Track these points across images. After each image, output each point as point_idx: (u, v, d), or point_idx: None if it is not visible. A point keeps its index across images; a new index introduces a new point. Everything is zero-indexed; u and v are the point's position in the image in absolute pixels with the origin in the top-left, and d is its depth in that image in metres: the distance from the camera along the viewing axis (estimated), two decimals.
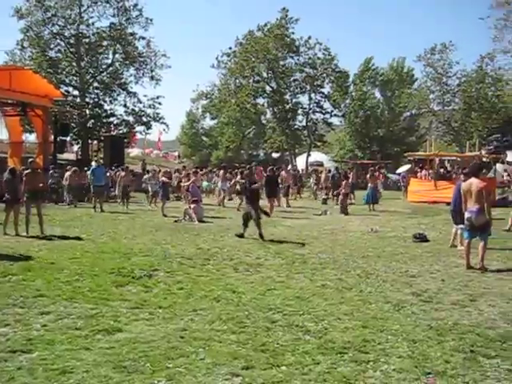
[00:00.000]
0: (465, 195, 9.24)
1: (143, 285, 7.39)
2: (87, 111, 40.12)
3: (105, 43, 41.80)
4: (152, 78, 43.03)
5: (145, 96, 44.34)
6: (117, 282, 7.43)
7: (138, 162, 43.12)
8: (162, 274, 8.10)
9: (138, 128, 44.27)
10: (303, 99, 49.56)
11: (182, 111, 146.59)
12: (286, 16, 46.24)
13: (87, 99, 41.39)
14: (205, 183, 26.76)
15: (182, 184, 21.34)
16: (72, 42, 40.88)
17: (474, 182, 9.10)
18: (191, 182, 17.30)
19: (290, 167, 39.34)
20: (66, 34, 40.79)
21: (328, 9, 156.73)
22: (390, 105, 54.88)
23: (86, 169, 22.73)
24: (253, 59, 46.46)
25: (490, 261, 9.30)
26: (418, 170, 31.27)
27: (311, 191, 28.82)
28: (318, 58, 47.26)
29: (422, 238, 12.19)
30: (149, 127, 44.24)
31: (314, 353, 4.87)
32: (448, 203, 12.84)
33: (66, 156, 34.78)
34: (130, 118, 43.19)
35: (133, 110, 42.96)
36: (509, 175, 27.11)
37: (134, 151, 56.95)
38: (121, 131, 41.69)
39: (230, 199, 23.80)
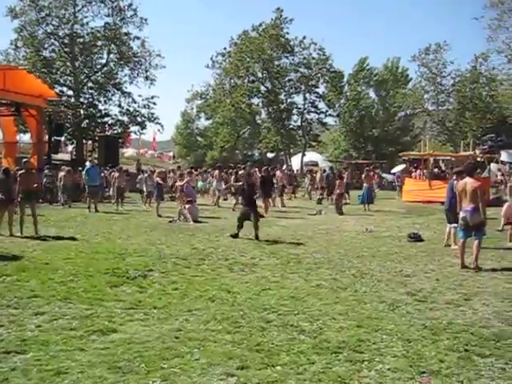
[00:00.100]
0: (460, 195, 9.26)
1: (138, 285, 7.38)
2: (82, 111, 39.97)
3: (99, 43, 41.70)
4: (147, 78, 42.99)
5: (139, 96, 44.26)
6: (111, 283, 7.41)
7: (132, 162, 43.05)
8: (156, 275, 8.09)
9: (133, 128, 44.26)
10: (298, 99, 49.73)
11: (176, 111, 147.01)
12: (281, 16, 46.28)
13: (81, 99, 41.26)
14: (200, 183, 26.74)
15: (176, 184, 21.31)
16: (66, 41, 40.76)
17: (469, 182, 9.13)
18: (185, 182, 17.28)
19: (284, 167, 39.38)
20: (60, 34, 40.66)
21: (323, 9, 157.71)
22: (384, 105, 55.01)
23: (80, 169, 22.67)
24: (247, 59, 46.49)
25: (484, 260, 9.33)
26: (413, 169, 31.35)
27: (306, 191, 28.84)
28: (313, 58, 47.34)
29: (416, 238, 12.23)
30: (143, 127, 44.19)
31: (308, 352, 4.88)
32: (442, 203, 12.88)
33: (60, 156, 34.62)
34: (125, 118, 43.11)
35: (127, 110, 42.89)
36: (502, 175, 27.24)
37: (128, 151, 56.82)
38: (115, 131, 41.60)
39: (225, 199, 23.80)
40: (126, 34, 41.80)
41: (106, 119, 42.79)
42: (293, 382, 4.25)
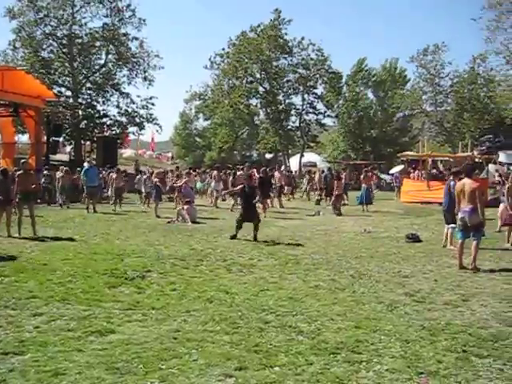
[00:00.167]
0: (458, 196, 9.28)
1: (136, 286, 7.37)
2: (80, 112, 40.01)
3: (98, 44, 41.74)
4: (145, 78, 43.05)
5: (138, 97, 44.49)
6: (110, 284, 7.41)
7: (131, 162, 43.08)
8: (155, 275, 8.08)
9: (131, 129, 44.33)
10: (296, 100, 49.84)
11: (175, 112, 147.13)
12: (279, 17, 46.37)
13: (80, 100, 41.31)
14: (198, 184, 26.73)
15: (174, 185, 21.30)
16: (65, 42, 40.78)
17: (467, 183, 9.15)
18: (184, 183, 17.27)
19: (283, 168, 39.37)
20: (58, 35, 40.70)
21: (321, 10, 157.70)
22: (382, 105, 55.02)
23: (78, 169, 22.64)
24: (246, 60, 46.54)
25: (482, 261, 9.35)
26: (411, 170, 31.36)
27: (304, 192, 28.83)
28: (311, 59, 47.40)
29: (414, 239, 12.24)
30: (142, 128, 44.26)
31: (307, 353, 4.88)
32: (441, 203, 12.90)
33: (58, 157, 34.59)
34: (123, 119, 43.15)
35: (126, 110, 42.93)
36: (500, 176, 27.26)
37: (127, 152, 56.84)
38: (114, 132, 41.64)
39: (224, 200, 23.78)
40: (125, 34, 41.87)
41: (104, 120, 42.82)
42: (291, 383, 4.26)
